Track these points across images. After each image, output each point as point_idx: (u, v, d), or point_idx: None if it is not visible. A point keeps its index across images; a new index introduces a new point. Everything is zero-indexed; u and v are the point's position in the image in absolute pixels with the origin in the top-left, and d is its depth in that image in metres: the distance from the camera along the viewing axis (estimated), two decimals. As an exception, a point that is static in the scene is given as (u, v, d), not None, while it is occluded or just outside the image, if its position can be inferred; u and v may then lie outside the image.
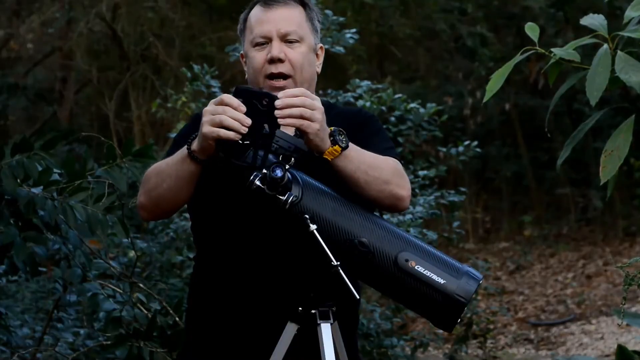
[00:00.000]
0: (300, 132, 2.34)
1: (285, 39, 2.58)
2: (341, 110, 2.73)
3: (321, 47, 2.70)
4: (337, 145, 2.37)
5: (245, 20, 2.66)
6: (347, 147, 2.38)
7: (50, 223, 3.51)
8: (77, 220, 3.47)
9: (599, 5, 11.04)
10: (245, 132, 2.28)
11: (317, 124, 2.33)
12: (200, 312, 2.62)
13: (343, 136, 2.39)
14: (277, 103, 2.30)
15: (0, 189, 3.45)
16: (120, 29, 13.00)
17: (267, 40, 2.58)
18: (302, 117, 2.31)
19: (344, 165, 2.40)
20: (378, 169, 2.45)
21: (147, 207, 2.54)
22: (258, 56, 2.58)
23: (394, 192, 2.46)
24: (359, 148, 2.43)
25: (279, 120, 2.30)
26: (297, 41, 2.58)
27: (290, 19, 2.60)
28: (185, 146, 2.42)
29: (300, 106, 2.32)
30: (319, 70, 2.67)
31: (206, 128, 2.32)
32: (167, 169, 2.48)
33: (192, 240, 2.91)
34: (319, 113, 2.34)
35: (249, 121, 2.29)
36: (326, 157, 2.37)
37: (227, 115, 2.30)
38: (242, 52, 2.69)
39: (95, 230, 3.50)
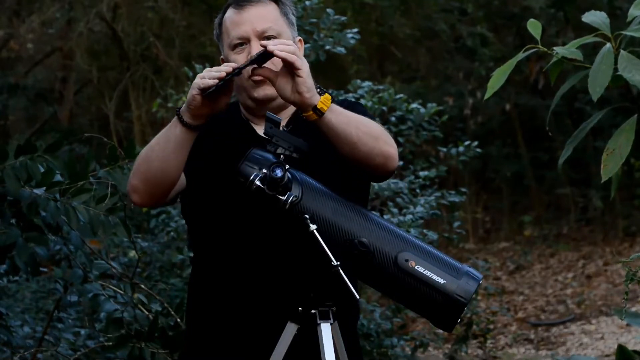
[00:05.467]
0: (293, 72, 2.36)
1: (262, 38, 2.58)
2: None
3: (300, 40, 2.70)
4: (326, 94, 2.39)
5: (221, 24, 2.66)
6: (334, 98, 2.41)
7: (52, 224, 3.51)
8: (80, 222, 3.47)
9: (599, 5, 11.04)
10: (224, 76, 2.36)
11: (306, 65, 2.37)
12: (200, 312, 2.63)
13: (325, 90, 2.42)
14: (268, 45, 2.36)
15: (3, 190, 3.45)
16: (120, 29, 12.99)
17: (245, 41, 2.59)
18: (293, 54, 2.36)
19: (336, 119, 2.40)
20: (367, 125, 2.47)
21: (138, 187, 2.52)
22: (239, 59, 2.57)
23: (384, 149, 2.47)
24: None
25: (274, 52, 2.35)
26: (274, 37, 2.58)
27: (264, 16, 2.60)
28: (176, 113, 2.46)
29: (289, 51, 2.37)
30: None
31: (193, 83, 2.41)
32: (156, 138, 2.50)
33: (190, 242, 2.92)
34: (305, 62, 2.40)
35: (228, 69, 2.37)
36: (321, 107, 2.36)
37: (208, 71, 2.40)
38: (222, 57, 2.69)
39: (97, 231, 3.50)
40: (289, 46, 2.37)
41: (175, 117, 2.46)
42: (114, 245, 6.03)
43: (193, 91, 2.39)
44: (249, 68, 2.46)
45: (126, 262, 5.81)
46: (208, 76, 2.38)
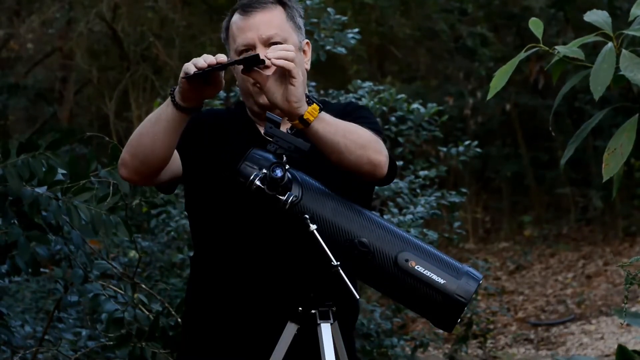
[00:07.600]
0: (287, 79, 2.35)
1: (268, 44, 2.57)
2: (333, 105, 2.74)
3: (307, 43, 2.70)
4: (314, 104, 2.38)
5: (227, 28, 2.66)
6: (322, 108, 2.40)
7: (53, 223, 3.51)
8: (82, 221, 3.47)
9: (599, 5, 11.04)
10: (205, 67, 2.36)
11: (302, 76, 2.38)
12: (199, 312, 2.63)
13: (315, 99, 2.41)
14: (268, 55, 2.36)
15: (5, 188, 3.45)
16: (120, 29, 12.99)
17: (251, 48, 2.58)
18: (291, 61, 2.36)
19: (323, 129, 2.39)
20: (355, 133, 2.45)
21: (127, 160, 2.52)
22: None
23: (372, 157, 2.45)
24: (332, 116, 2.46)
25: (270, 61, 2.35)
26: (280, 43, 2.56)
27: (270, 22, 2.60)
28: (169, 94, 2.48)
29: (288, 59, 2.36)
30: (307, 66, 2.67)
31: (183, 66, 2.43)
32: (151, 115, 2.52)
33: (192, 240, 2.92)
34: (300, 71, 2.40)
35: (213, 62, 2.37)
36: (307, 117, 2.36)
37: (197, 58, 2.41)
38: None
39: (99, 231, 3.50)
40: (288, 52, 2.37)
41: (169, 96, 2.47)
42: (114, 245, 6.03)
43: (181, 74, 2.42)
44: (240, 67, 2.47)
45: (126, 262, 5.81)
46: (194, 62, 2.40)
